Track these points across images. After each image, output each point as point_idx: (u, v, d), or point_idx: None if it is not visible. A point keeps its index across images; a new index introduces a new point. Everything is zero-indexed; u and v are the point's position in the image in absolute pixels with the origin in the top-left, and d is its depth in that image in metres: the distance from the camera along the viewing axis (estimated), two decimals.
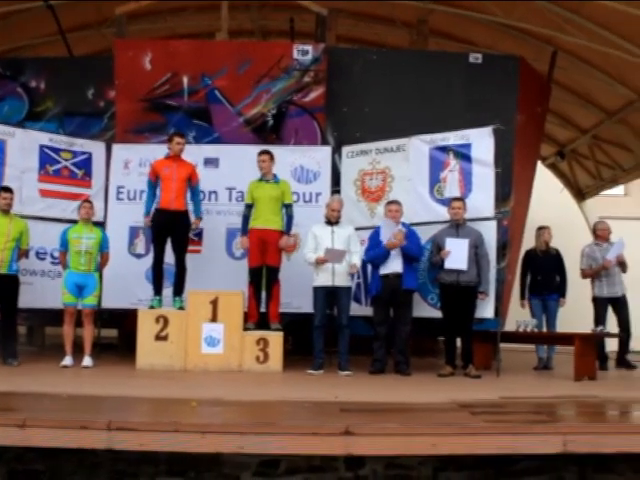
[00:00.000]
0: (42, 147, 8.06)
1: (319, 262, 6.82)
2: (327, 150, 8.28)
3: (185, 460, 4.07)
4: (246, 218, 7.28)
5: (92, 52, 11.39)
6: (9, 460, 4.09)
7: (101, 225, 7.81)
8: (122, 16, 9.15)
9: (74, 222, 7.39)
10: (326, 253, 6.79)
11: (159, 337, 6.90)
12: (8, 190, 7.20)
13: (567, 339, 7.06)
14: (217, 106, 8.60)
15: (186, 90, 8.68)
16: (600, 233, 8.33)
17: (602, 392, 5.71)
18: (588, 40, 9.51)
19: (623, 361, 8.12)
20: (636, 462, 4.23)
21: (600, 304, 8.09)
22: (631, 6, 8.26)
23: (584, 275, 8.26)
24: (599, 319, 7.95)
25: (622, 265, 8.11)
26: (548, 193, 13.42)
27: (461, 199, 6.99)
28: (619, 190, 15.46)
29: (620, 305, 8.08)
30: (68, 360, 6.94)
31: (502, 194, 7.21)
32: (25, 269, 7.58)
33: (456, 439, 3.82)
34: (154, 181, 7.31)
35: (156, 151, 7.83)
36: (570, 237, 10.46)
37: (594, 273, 8.12)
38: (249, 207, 7.28)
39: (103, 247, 7.21)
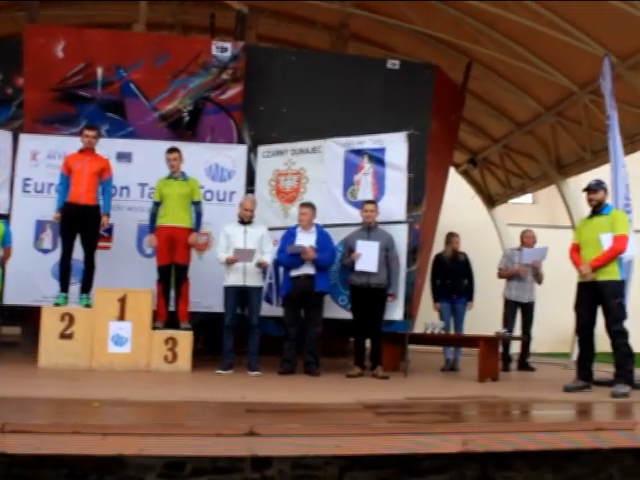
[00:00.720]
0: None
1: (229, 262, 6.78)
2: (243, 149, 8.24)
3: (87, 463, 3.95)
4: (154, 216, 7.17)
5: (2, 36, 10.90)
6: None
7: (5, 218, 7.49)
8: (34, 0, 8.82)
9: None
10: (235, 253, 6.75)
11: (64, 335, 6.67)
12: None
13: (472, 341, 7.28)
14: (132, 99, 8.40)
15: (100, 81, 8.43)
16: (526, 240, 8.50)
17: (503, 393, 5.91)
18: (501, 53, 9.86)
19: (524, 364, 8.41)
20: (533, 459, 4.41)
21: (508, 306, 8.34)
22: (540, 23, 8.62)
23: (499, 275, 8.48)
24: (506, 321, 8.21)
25: (537, 276, 8.31)
26: (460, 199, 13.82)
27: (374, 202, 7.09)
28: (527, 198, 16.09)
29: (526, 310, 8.35)
30: None
31: (414, 198, 7.36)
32: None
33: (359, 439, 3.87)
34: (67, 175, 7.07)
35: (67, 143, 7.60)
36: (480, 242, 10.82)
37: (508, 275, 8.34)
38: (157, 205, 7.17)
39: (5, 241, 6.92)
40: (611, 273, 5.79)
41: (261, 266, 6.84)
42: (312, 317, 6.93)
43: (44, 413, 4.36)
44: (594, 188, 5.96)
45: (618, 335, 5.74)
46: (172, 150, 7.20)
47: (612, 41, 8.47)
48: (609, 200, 6.25)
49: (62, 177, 7.14)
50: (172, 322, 7.00)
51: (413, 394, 5.59)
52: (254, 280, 6.83)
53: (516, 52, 9.75)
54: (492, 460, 4.37)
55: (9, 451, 3.64)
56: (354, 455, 4.05)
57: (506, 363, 8.27)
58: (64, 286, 7.05)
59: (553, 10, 8.50)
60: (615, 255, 5.77)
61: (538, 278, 8.36)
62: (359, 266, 6.77)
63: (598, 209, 5.98)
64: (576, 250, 6.05)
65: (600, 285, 5.79)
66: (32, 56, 8.24)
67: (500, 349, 7.75)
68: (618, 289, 5.81)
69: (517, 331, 8.38)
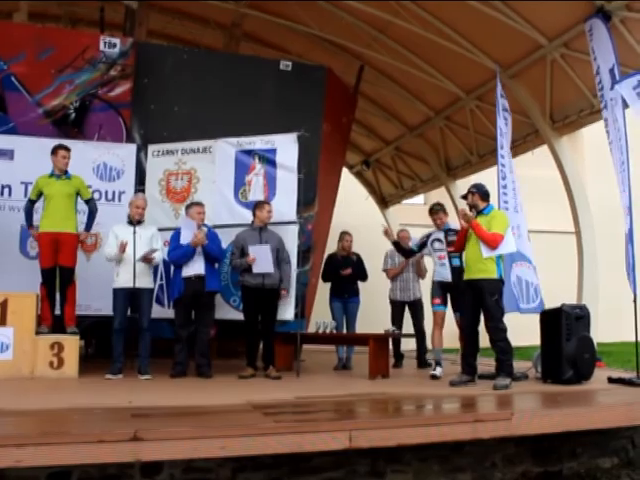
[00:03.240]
0: None
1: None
2: (132, 148, 8.03)
3: None
4: (29, 213, 6.91)
5: None
6: None
7: None
8: None
9: None
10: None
11: None
12: None
13: (362, 340, 7.42)
14: (13, 94, 8.02)
15: None
16: (400, 239, 8.72)
17: (392, 389, 6.06)
18: (393, 58, 10.11)
19: (423, 360, 8.43)
20: (421, 452, 4.56)
21: (394, 307, 8.52)
22: (430, 31, 8.91)
23: (388, 275, 8.63)
24: (394, 320, 8.36)
25: (419, 270, 8.52)
26: (354, 200, 14.06)
27: (269, 203, 7.11)
28: (419, 199, 16.54)
29: (414, 308, 8.53)
30: None
31: (306, 199, 7.44)
32: None
33: (245, 440, 3.87)
34: None
35: None
36: (373, 242, 11.02)
37: (397, 272, 8.48)
38: (32, 202, 6.92)
39: None
40: (489, 272, 6.06)
41: (147, 260, 6.69)
42: (203, 318, 6.87)
43: None
44: (464, 195, 6.45)
45: (497, 331, 6.02)
46: (64, 148, 6.92)
47: (496, 50, 8.88)
48: (493, 201, 6.56)
49: None
50: (58, 326, 6.74)
51: (304, 393, 5.64)
52: (144, 282, 6.68)
53: (407, 58, 10.04)
54: (382, 455, 4.48)
55: None
56: (245, 456, 4.04)
57: (398, 360, 8.50)
58: None
59: (441, 19, 8.82)
60: (489, 242, 6.01)
61: (421, 273, 8.58)
62: (256, 269, 6.76)
63: (479, 210, 6.27)
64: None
65: (478, 283, 6.06)
66: None
67: (391, 347, 7.94)
68: (496, 287, 6.09)
69: (410, 329, 8.52)
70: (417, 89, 11.06)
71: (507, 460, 4.93)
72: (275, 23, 10.34)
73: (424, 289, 8.39)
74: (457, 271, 6.84)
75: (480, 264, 6.06)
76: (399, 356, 8.58)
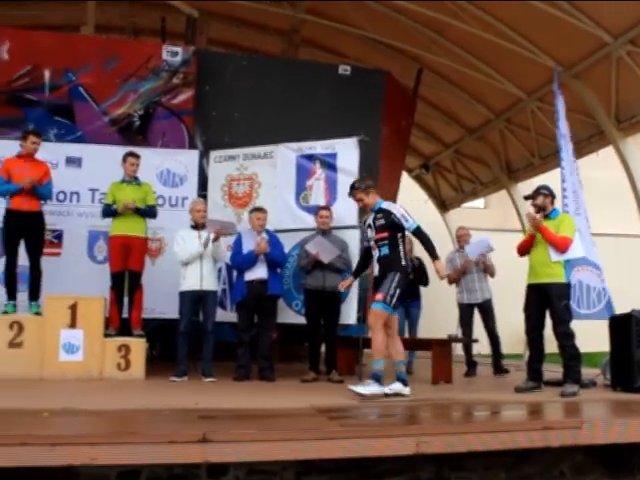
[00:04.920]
0: None
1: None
2: (194, 154, 8.17)
3: (39, 474, 3.86)
4: (110, 212, 7.05)
5: None
6: None
7: None
8: None
9: None
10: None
11: (13, 344, 6.52)
12: None
13: (425, 344, 7.35)
14: (81, 103, 8.29)
15: (48, 85, 8.31)
16: (459, 238, 8.50)
17: (455, 395, 5.99)
18: (451, 61, 10.03)
19: (498, 367, 8.00)
20: (486, 459, 4.48)
21: (462, 310, 8.22)
22: (488, 32, 8.81)
23: (449, 281, 8.32)
24: (462, 325, 8.11)
25: (487, 269, 8.10)
26: (413, 203, 13.94)
27: (329, 208, 7.13)
28: (479, 203, 16.35)
29: (483, 311, 8.11)
30: None
31: None
32: None
33: (312, 444, 3.87)
34: (6, 179, 6.90)
35: (12, 147, 7.37)
36: None
37: (456, 276, 8.19)
38: (108, 207, 7.08)
39: None
40: (557, 276, 5.93)
41: (217, 236, 6.75)
42: (266, 322, 6.92)
43: None
44: (532, 195, 6.18)
45: (565, 337, 5.88)
46: (134, 155, 7.10)
47: (558, 50, 8.71)
48: (558, 205, 6.42)
49: (1, 180, 6.92)
50: (125, 329, 6.90)
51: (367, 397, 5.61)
52: (210, 284, 6.79)
53: (466, 59, 9.94)
54: (447, 461, 4.43)
55: None
56: (311, 460, 4.05)
57: (470, 368, 8.07)
58: (11, 294, 6.89)
59: (501, 19, 8.71)
60: (558, 245, 5.86)
61: (489, 271, 8.20)
62: (325, 260, 6.74)
63: (546, 213, 6.12)
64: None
65: (546, 287, 5.93)
66: None
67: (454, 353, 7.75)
68: (564, 291, 5.95)
69: (482, 333, 8.17)
70: (476, 91, 10.94)
71: (576, 469, 4.79)
72: (333, 28, 10.40)
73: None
74: (384, 261, 5.67)
75: (548, 268, 5.92)
76: (472, 364, 8.12)
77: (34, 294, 6.91)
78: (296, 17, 10.29)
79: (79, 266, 7.57)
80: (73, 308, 6.60)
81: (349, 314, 7.07)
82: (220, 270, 7.12)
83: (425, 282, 8.41)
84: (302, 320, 7.13)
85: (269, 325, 6.93)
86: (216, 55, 9.38)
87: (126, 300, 7.02)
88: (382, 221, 5.67)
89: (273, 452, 3.87)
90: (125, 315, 7.02)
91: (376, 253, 5.74)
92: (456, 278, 8.26)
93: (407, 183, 13.60)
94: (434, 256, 5.60)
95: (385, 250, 5.67)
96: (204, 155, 8.21)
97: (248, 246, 6.84)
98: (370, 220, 5.79)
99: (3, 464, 3.60)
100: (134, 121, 8.39)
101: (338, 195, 7.31)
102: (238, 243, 7.00)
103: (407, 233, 5.76)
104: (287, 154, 7.67)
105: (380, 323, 5.55)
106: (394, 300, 5.55)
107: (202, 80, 8.52)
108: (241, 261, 6.91)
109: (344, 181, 7.26)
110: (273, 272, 6.92)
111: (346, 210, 7.15)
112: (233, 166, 7.95)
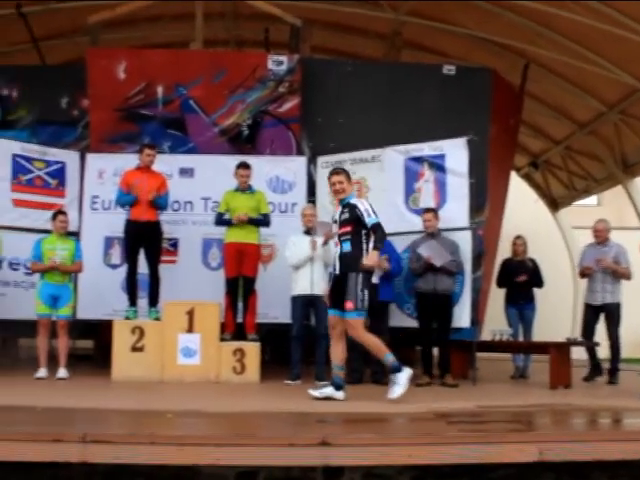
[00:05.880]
0: (15, 156, 7.98)
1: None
2: (302, 160, 8.31)
3: (162, 472, 4.02)
4: (223, 221, 7.23)
5: (66, 60, 11.29)
6: None
7: (75, 235, 7.73)
8: (96, 25, 9.09)
9: (48, 232, 7.32)
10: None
11: (135, 348, 6.85)
12: None
13: (542, 348, 7.12)
14: (192, 116, 8.59)
15: (160, 100, 8.65)
16: (595, 233, 7.88)
17: (576, 400, 5.76)
18: (559, 53, 9.69)
19: (612, 373, 7.55)
20: (611, 469, 4.27)
21: (585, 311, 7.75)
22: (598, 20, 8.44)
23: (579, 274, 7.97)
24: (583, 326, 7.70)
25: (617, 273, 7.50)
26: (523, 203, 13.59)
27: (432, 210, 7.05)
28: (592, 200, 15.70)
29: (605, 314, 7.58)
30: (42, 372, 6.87)
31: (477, 204, 7.29)
32: None
33: (432, 449, 3.83)
34: (126, 191, 7.25)
35: (130, 161, 7.77)
36: (544, 247, 10.60)
37: (582, 272, 7.75)
38: (221, 215, 7.28)
39: (76, 256, 7.13)
40: None
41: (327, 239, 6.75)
42: (378, 326, 6.88)
43: (121, 424, 4.48)
44: None
45: None
46: (246, 167, 7.27)
47: None
48: None
49: (120, 192, 7.31)
50: (240, 334, 7.08)
51: (484, 402, 5.51)
52: (321, 288, 6.83)
53: (575, 51, 9.56)
54: (567, 470, 4.26)
55: (90, 460, 3.74)
56: (426, 465, 4.01)
57: (593, 371, 7.67)
58: (133, 300, 7.24)
59: (613, 6, 8.31)
60: None
61: (620, 274, 7.49)
62: (438, 263, 6.69)
63: None
64: None
65: None
66: (95, 78, 8.52)
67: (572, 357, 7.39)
68: None
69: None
70: (587, 83, 10.51)
71: None
72: (435, 28, 10.29)
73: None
74: (344, 259, 5.48)
75: None
76: (596, 369, 7.66)
77: (153, 300, 7.23)
78: (397, 19, 10.23)
79: (194, 273, 7.86)
80: (190, 313, 6.84)
81: (462, 317, 6.97)
82: (331, 274, 7.14)
83: (540, 284, 8.16)
84: (414, 323, 7.08)
85: (381, 329, 6.89)
86: (320, 62, 9.47)
87: (240, 305, 7.20)
88: (347, 215, 5.47)
89: (392, 456, 3.86)
90: (239, 320, 7.21)
91: (338, 250, 5.56)
92: (583, 274, 7.78)
93: (515, 182, 13.23)
94: (375, 246, 5.39)
95: (347, 246, 5.46)
96: (311, 161, 8.33)
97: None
98: (337, 215, 5.61)
99: (133, 461, 3.77)
100: (243, 130, 8.60)
101: (448, 197, 7.23)
102: None
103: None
104: (395, 157, 7.65)
105: (361, 330, 5.46)
106: (365, 303, 5.42)
107: (307, 87, 8.62)
108: None
109: (454, 183, 7.18)
110: (384, 277, 6.91)
111: (457, 212, 7.07)
112: None
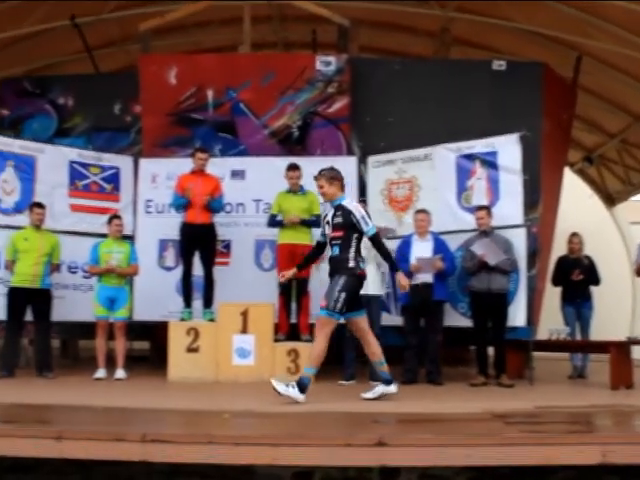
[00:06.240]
0: (71, 163, 8.18)
1: (413, 270, 6.73)
2: (353, 160, 8.26)
3: (218, 472, 4.06)
4: (275, 223, 7.28)
5: (118, 68, 11.55)
6: (46, 472, 4.11)
7: (130, 238, 7.89)
8: (146, 32, 9.27)
9: (104, 236, 7.50)
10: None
11: (190, 349, 6.94)
12: (40, 206, 7.34)
13: (601, 347, 6.96)
14: (242, 118, 8.68)
15: (211, 103, 8.78)
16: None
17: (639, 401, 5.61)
18: (613, 44, 9.44)
19: None
20: None
21: None
22: None
23: (636, 272, 7.62)
24: None
25: None
26: (577, 199, 13.29)
27: (485, 207, 6.95)
28: None
29: None
30: (101, 372, 7.03)
31: (530, 201, 7.16)
32: (57, 283, 7.67)
33: (491, 450, 3.77)
34: (181, 195, 7.36)
35: (183, 164, 7.89)
36: (600, 243, 10.34)
37: (638, 269, 7.34)
38: (274, 216, 7.32)
39: (131, 259, 7.29)
40: None
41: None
42: (432, 325, 6.86)
43: (178, 424, 4.54)
44: None
45: None
46: (295, 168, 7.31)
47: None
48: None
49: (175, 196, 7.42)
50: (293, 334, 7.11)
51: (542, 403, 5.38)
52: (375, 288, 6.83)
53: (630, 41, 9.30)
54: (633, 473, 4.14)
55: (149, 459, 3.80)
56: (484, 466, 3.95)
57: None
58: (188, 302, 7.34)
59: None
60: None
61: None
62: (492, 262, 6.60)
63: None
64: None
65: None
66: (147, 84, 8.69)
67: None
68: None
69: None
70: None
71: None
72: (483, 23, 10.14)
73: None
74: (332, 262, 5.47)
75: None
76: None
77: (208, 302, 7.32)
78: (446, 16, 10.13)
79: (247, 274, 7.92)
80: (244, 314, 6.90)
81: (517, 316, 6.85)
82: (384, 274, 7.13)
83: (596, 281, 7.97)
84: (468, 323, 7.00)
85: (436, 328, 6.86)
86: (368, 61, 9.44)
87: (294, 306, 7.23)
88: (340, 219, 5.36)
89: (450, 457, 3.81)
90: (293, 321, 7.23)
91: (328, 252, 5.51)
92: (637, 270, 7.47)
93: (569, 178, 12.96)
94: (393, 267, 5.52)
95: (336, 250, 5.40)
96: (362, 161, 8.29)
97: (415, 252, 6.82)
98: (329, 216, 5.51)
99: (191, 460, 3.82)
100: (293, 132, 8.65)
101: (501, 194, 7.11)
102: (403, 249, 7.01)
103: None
104: (446, 155, 7.56)
105: (324, 331, 5.32)
106: (339, 305, 5.27)
107: (356, 87, 8.61)
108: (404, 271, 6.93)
109: (507, 180, 7.07)
110: (438, 276, 6.84)
111: (511, 209, 6.95)
112: (392, 170, 7.97)
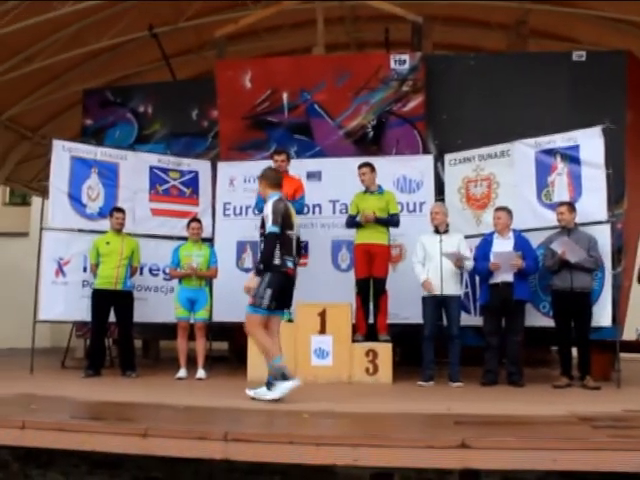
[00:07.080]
0: (152, 168, 8.40)
1: (492, 268, 6.69)
2: (429, 159, 8.18)
3: (298, 471, 4.09)
4: (353, 224, 7.26)
5: (194, 75, 11.82)
6: (131, 468, 4.24)
7: (209, 241, 8.05)
8: (221, 38, 9.45)
9: (184, 239, 7.68)
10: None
11: None
12: (120, 210, 7.59)
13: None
14: (317, 120, 8.73)
15: (286, 106, 8.87)
16: None
17: None
18: None
19: None
20: None
21: None
22: None
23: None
24: None
25: None
26: None
27: (567, 204, 6.74)
28: None
29: None
30: (182, 372, 7.19)
31: (615, 196, 6.91)
32: (139, 285, 7.91)
33: (578, 454, 3.65)
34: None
35: (259, 167, 7.94)
36: None
37: None
38: (352, 218, 7.30)
39: (211, 262, 7.43)
40: None
41: (457, 265, 6.74)
42: (513, 326, 6.71)
43: (259, 423, 4.59)
44: None
45: None
46: (362, 165, 7.29)
47: None
48: None
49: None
50: (371, 334, 7.09)
51: (631, 406, 5.16)
52: (452, 289, 6.74)
53: None
54: None
55: (231, 458, 3.87)
56: (569, 471, 3.82)
57: None
58: None
59: None
60: None
61: None
62: (573, 259, 6.42)
63: None
64: None
65: None
66: (223, 89, 8.86)
67: None
68: None
69: None
70: None
71: None
72: (562, 13, 9.84)
73: None
74: (261, 259, 5.55)
75: None
76: None
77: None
78: (522, 8, 9.88)
79: (325, 275, 7.94)
80: (322, 315, 6.92)
81: (602, 315, 6.60)
82: (462, 273, 7.02)
83: None
84: (550, 323, 6.80)
85: (517, 328, 6.70)
86: (443, 58, 9.36)
87: (371, 306, 7.20)
88: (262, 216, 5.55)
89: (535, 461, 3.72)
90: (371, 321, 7.21)
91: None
92: None
93: None
94: (257, 270, 5.42)
95: (262, 246, 5.58)
96: (438, 159, 8.19)
97: (496, 250, 6.73)
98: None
99: (272, 459, 3.87)
100: (368, 132, 8.63)
101: (584, 189, 6.88)
102: (483, 246, 6.91)
103: None
104: (525, 151, 7.38)
105: (254, 327, 5.42)
106: (265, 301, 5.27)
107: (431, 84, 8.52)
108: (478, 271, 6.89)
109: (590, 174, 6.84)
110: (519, 275, 6.69)
111: (594, 205, 6.72)
112: (469, 168, 7.84)
